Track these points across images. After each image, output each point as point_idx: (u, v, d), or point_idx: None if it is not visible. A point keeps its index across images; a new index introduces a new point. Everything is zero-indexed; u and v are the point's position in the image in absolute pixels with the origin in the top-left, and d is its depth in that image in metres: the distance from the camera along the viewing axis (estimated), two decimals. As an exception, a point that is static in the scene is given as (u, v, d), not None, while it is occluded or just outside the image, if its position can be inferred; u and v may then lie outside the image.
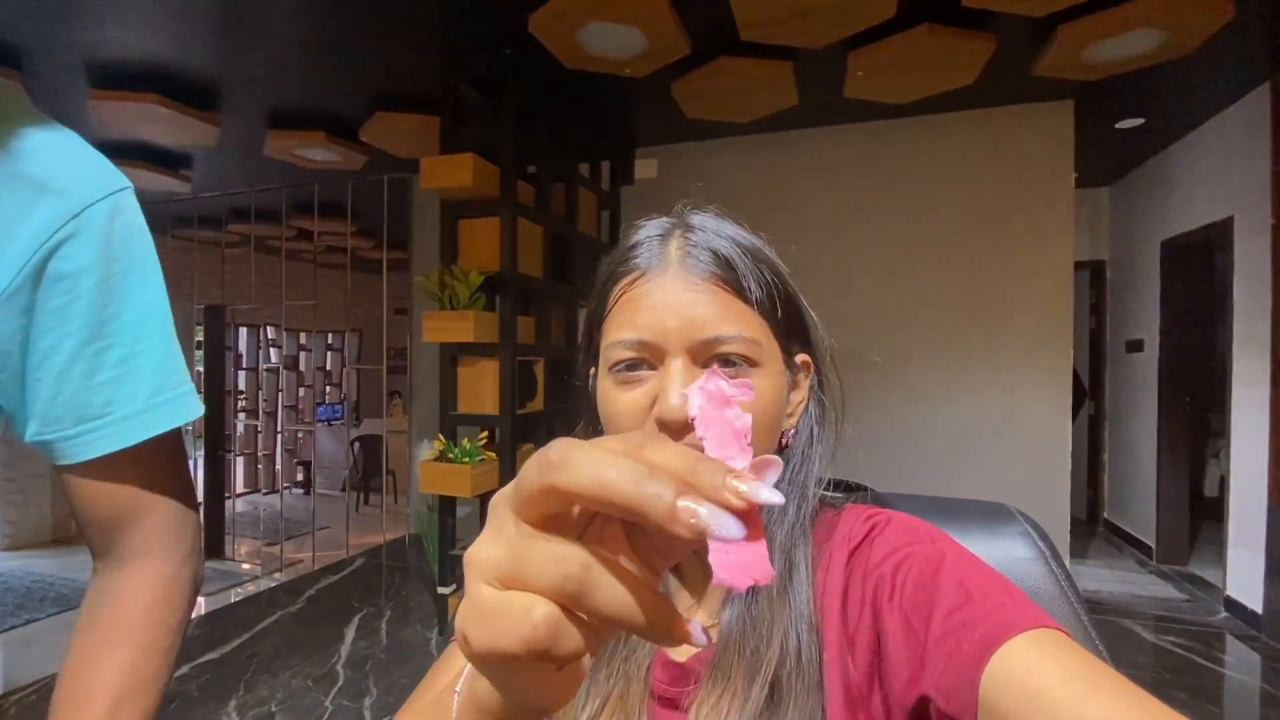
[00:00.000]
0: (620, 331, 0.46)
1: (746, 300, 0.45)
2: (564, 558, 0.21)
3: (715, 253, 0.45)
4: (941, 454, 3.37)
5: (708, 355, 0.44)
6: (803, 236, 3.53)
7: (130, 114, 3.03)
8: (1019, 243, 3.26)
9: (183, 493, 0.56)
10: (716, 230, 0.47)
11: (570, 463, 0.20)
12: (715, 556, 0.20)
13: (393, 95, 3.09)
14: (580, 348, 0.54)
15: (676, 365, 0.43)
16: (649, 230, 0.49)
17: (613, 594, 0.20)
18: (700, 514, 0.19)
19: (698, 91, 2.88)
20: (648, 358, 0.45)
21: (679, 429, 0.42)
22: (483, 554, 0.22)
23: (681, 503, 0.19)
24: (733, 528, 0.19)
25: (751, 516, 0.20)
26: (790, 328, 0.49)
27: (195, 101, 3.07)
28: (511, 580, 0.21)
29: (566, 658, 0.21)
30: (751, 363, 0.44)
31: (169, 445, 0.54)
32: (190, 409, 0.54)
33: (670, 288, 0.45)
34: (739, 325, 0.44)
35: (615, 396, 0.46)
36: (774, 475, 0.21)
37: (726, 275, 0.45)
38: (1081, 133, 3.21)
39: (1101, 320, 4.77)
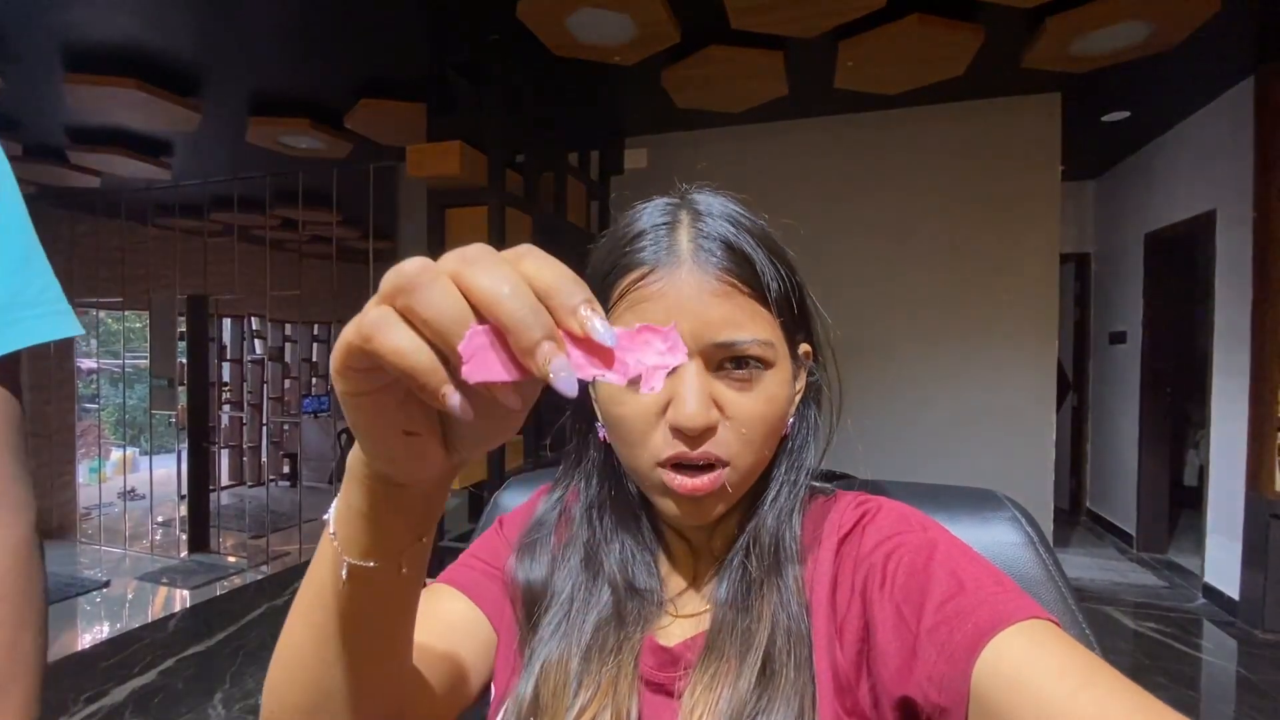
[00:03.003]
0: None
1: (762, 300, 0.44)
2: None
3: (728, 246, 0.44)
4: (926, 444, 3.40)
5: (723, 356, 0.43)
6: (790, 226, 3.53)
7: (108, 99, 2.96)
8: (1005, 234, 3.28)
9: (17, 447, 0.48)
10: (724, 216, 0.45)
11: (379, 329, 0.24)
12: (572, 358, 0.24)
13: (378, 82, 3.05)
14: None
15: (691, 370, 0.42)
16: (653, 217, 0.46)
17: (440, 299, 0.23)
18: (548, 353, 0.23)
19: (688, 80, 2.86)
20: None
21: (696, 436, 0.42)
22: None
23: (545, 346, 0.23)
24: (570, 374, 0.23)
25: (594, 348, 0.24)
26: (798, 320, 0.48)
27: (175, 86, 3.00)
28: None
29: (391, 349, 0.24)
30: (766, 364, 0.44)
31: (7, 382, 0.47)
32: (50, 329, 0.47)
33: (684, 288, 0.42)
34: (754, 328, 0.43)
35: (622, 398, 0.44)
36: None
37: (743, 273, 0.43)
38: (1068, 125, 3.23)
39: (1086, 312, 4.83)
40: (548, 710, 0.44)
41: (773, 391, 0.44)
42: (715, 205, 0.46)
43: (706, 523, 0.46)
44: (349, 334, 0.24)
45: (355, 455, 0.30)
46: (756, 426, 0.44)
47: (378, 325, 0.24)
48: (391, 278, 0.24)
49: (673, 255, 0.44)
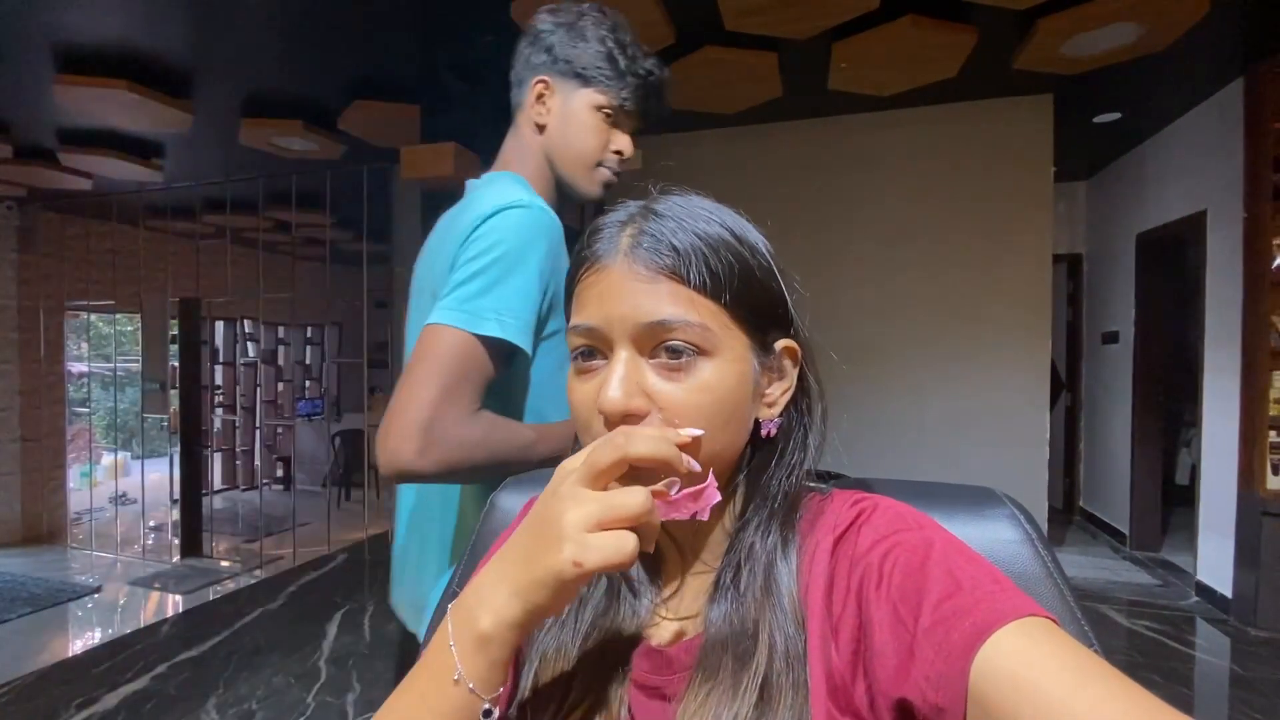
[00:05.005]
0: (573, 318, 0.47)
1: (700, 288, 0.43)
2: (636, 492, 0.37)
3: (666, 239, 0.44)
4: (920, 445, 3.41)
5: (654, 342, 0.43)
6: (785, 228, 3.54)
7: (99, 100, 2.94)
8: (998, 235, 3.30)
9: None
10: (682, 215, 0.45)
11: (633, 442, 0.37)
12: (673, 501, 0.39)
13: (372, 83, 3.04)
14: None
15: (621, 357, 0.43)
16: (613, 216, 0.48)
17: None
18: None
19: (682, 82, 2.86)
20: (599, 346, 0.45)
21: (615, 420, 0.42)
22: (579, 515, 0.36)
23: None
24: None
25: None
26: (763, 314, 0.47)
27: (167, 88, 2.99)
28: (606, 523, 0.36)
29: (645, 519, 0.37)
30: (701, 350, 0.43)
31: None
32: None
33: (616, 275, 0.44)
34: (685, 311, 0.43)
35: (573, 386, 0.47)
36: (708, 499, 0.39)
37: (673, 262, 0.43)
38: (1060, 127, 3.25)
39: (1078, 312, 4.85)
40: (541, 712, 0.44)
41: (708, 381, 0.43)
42: (675, 204, 0.46)
43: None
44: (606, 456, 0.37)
45: (500, 622, 0.38)
46: (690, 417, 0.43)
47: (626, 445, 0.37)
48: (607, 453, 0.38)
49: (614, 248, 0.45)
